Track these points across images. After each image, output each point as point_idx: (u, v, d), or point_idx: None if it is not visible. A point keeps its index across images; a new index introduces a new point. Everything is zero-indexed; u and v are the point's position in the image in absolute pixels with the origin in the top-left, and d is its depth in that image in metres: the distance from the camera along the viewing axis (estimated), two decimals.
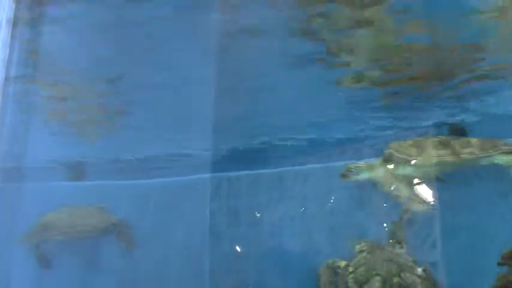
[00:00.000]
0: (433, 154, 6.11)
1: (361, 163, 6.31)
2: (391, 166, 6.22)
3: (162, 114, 6.79)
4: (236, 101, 6.50)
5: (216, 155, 7.19)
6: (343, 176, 6.28)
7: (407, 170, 6.18)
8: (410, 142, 6.24)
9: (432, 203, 6.36)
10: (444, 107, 6.41)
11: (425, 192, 6.43)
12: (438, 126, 6.65)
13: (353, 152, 6.65)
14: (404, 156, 6.15)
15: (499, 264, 4.99)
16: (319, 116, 6.70)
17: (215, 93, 6.16)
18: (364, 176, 6.27)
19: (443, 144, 6.14)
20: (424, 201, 6.39)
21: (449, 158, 6.08)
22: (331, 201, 6.99)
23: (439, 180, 6.29)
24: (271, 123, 6.85)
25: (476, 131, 6.47)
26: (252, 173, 7.41)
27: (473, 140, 6.16)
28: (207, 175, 7.27)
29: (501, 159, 6.03)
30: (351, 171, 6.28)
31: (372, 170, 6.24)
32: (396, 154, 6.18)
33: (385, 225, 6.59)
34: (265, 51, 5.25)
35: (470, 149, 6.05)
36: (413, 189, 6.27)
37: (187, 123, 6.99)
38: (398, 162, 6.17)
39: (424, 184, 6.41)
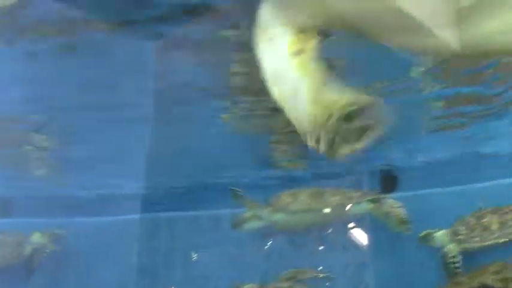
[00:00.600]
0: (303, 203, 6.35)
1: (248, 212, 6.55)
2: (273, 214, 6.51)
3: (94, 150, 6.60)
4: (172, 139, 6.40)
5: (150, 195, 7.05)
6: (234, 227, 6.49)
7: (282, 218, 6.48)
8: (290, 192, 6.57)
9: (364, 250, 6.43)
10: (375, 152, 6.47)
11: (358, 239, 6.49)
12: (362, 174, 6.75)
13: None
14: (281, 205, 6.46)
15: None
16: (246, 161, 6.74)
17: (151, 130, 6.06)
18: (253, 225, 6.56)
19: (316, 194, 6.45)
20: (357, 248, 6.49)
21: (317, 208, 6.42)
22: (268, 244, 7.00)
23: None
24: (206, 163, 6.76)
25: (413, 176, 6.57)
26: (187, 214, 7.31)
27: (342, 190, 6.47)
28: (138, 215, 7.13)
29: (364, 208, 6.31)
30: (240, 222, 6.55)
31: (256, 219, 6.53)
32: (278, 203, 6.50)
33: (320, 268, 6.62)
34: (197, 93, 5.19)
35: (338, 197, 6.31)
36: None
37: (121, 161, 6.83)
38: (277, 211, 6.49)
39: (356, 231, 6.48)
